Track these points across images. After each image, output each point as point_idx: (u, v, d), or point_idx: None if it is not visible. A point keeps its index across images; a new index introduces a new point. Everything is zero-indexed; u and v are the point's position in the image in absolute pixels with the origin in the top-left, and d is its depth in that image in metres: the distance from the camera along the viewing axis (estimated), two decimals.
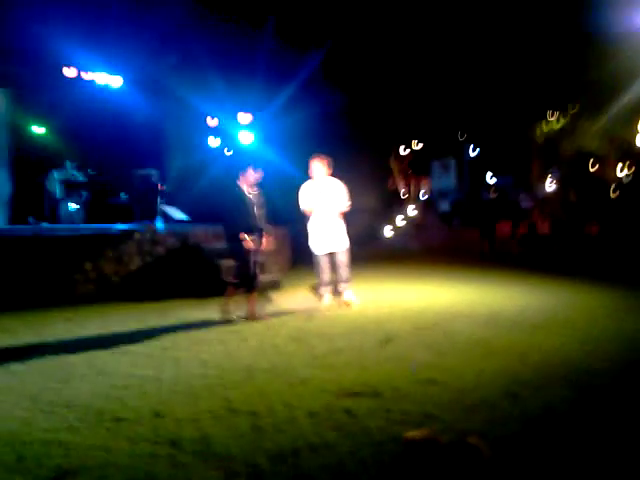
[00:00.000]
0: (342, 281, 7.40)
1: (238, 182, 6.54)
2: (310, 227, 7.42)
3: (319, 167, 7.33)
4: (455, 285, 8.89)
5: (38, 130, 12.55)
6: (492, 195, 14.95)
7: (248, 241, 6.28)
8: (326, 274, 7.39)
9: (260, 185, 6.69)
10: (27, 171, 11.93)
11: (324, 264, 7.36)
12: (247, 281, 6.41)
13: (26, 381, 4.22)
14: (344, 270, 7.36)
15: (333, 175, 7.48)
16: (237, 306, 6.49)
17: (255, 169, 6.59)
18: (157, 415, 3.53)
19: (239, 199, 6.45)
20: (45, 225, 10.42)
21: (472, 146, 20.68)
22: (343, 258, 7.35)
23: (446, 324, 5.97)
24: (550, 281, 9.04)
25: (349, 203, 7.43)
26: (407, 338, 5.38)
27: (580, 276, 9.43)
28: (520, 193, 16.92)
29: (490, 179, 19.41)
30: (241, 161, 13.12)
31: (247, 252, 6.31)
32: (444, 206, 19.29)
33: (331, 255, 7.36)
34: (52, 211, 11.36)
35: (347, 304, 7.28)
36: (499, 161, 20.37)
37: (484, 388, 3.92)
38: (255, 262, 6.42)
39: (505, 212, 15.79)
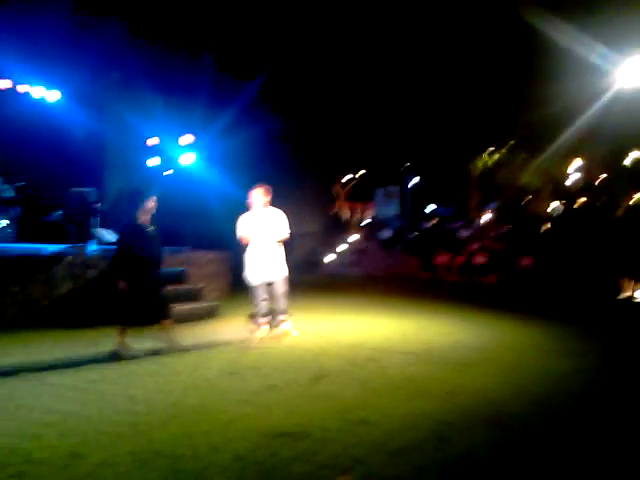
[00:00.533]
0: (280, 312, 7.34)
1: (137, 215, 6.21)
2: (247, 256, 7.34)
3: (258, 197, 7.30)
4: (392, 316, 8.99)
5: None
6: (430, 224, 15.33)
7: (123, 283, 6.05)
8: (263, 304, 7.28)
9: (154, 216, 6.42)
10: None
11: (261, 294, 7.27)
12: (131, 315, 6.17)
13: None
14: (282, 301, 7.30)
15: (273, 202, 7.46)
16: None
17: (150, 199, 6.26)
18: (74, 456, 3.38)
19: (134, 237, 6.15)
20: None
21: (414, 176, 21.20)
22: (280, 288, 7.28)
23: (380, 360, 5.99)
24: (484, 314, 9.26)
25: (288, 232, 7.41)
26: (341, 374, 5.38)
27: (514, 310, 9.72)
28: (458, 223, 17.41)
29: (429, 208, 19.93)
30: (180, 181, 13.04)
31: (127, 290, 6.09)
32: (386, 233, 19.60)
33: (269, 285, 7.30)
34: None
35: (285, 335, 7.22)
36: (440, 191, 20.99)
37: (412, 429, 3.94)
38: (141, 296, 6.15)
39: (443, 241, 16.22)
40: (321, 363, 5.79)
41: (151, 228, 6.25)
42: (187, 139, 12.94)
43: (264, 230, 7.23)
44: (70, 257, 8.02)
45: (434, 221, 16.97)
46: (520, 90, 15.26)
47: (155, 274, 6.27)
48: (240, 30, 13.92)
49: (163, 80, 12.73)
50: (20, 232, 11.37)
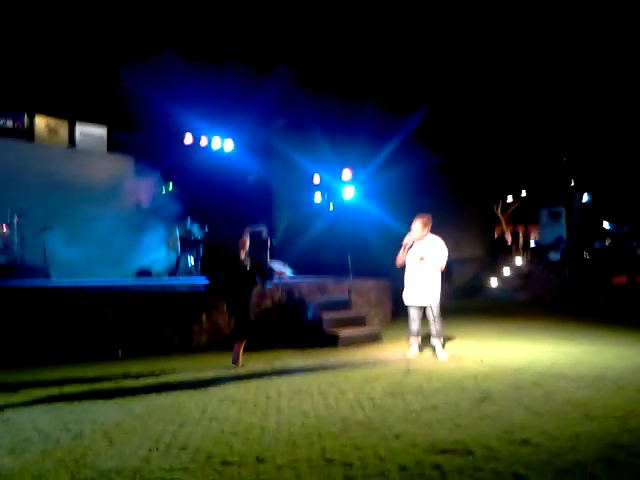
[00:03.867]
0: (433, 335, 7.61)
1: (237, 249, 7.04)
2: (405, 279, 7.70)
3: (419, 225, 7.58)
4: (561, 341, 8.64)
5: (161, 191, 13.89)
6: (605, 244, 14.34)
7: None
8: (415, 325, 7.67)
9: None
10: (150, 227, 13.21)
11: (414, 315, 7.66)
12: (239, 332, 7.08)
13: (148, 423, 4.73)
14: (434, 324, 7.55)
15: (434, 230, 7.72)
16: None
17: (244, 236, 7.12)
18: (260, 460, 3.86)
19: (228, 265, 7.10)
20: (167, 279, 11.41)
21: (582, 193, 19.94)
22: (433, 313, 7.53)
23: (546, 384, 5.88)
24: None
25: (445, 261, 7.60)
26: (504, 397, 5.38)
27: None
28: (635, 242, 16.02)
29: (604, 227, 18.55)
30: (343, 215, 13.73)
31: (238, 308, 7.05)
32: (554, 255, 18.60)
33: (423, 308, 7.58)
34: (175, 264, 12.44)
35: (436, 358, 7.50)
36: (614, 208, 19.46)
37: (578, 451, 3.89)
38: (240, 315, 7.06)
39: (620, 262, 15.04)
40: (483, 386, 5.84)
41: (247, 260, 7.06)
42: (347, 174, 13.66)
43: (423, 256, 7.49)
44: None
45: (608, 240, 15.78)
46: None
47: (244, 299, 7.05)
48: (397, 70, 14.46)
49: (326, 119, 13.63)
50: (203, 268, 12.82)
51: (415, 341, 7.70)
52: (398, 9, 13.62)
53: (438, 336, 7.58)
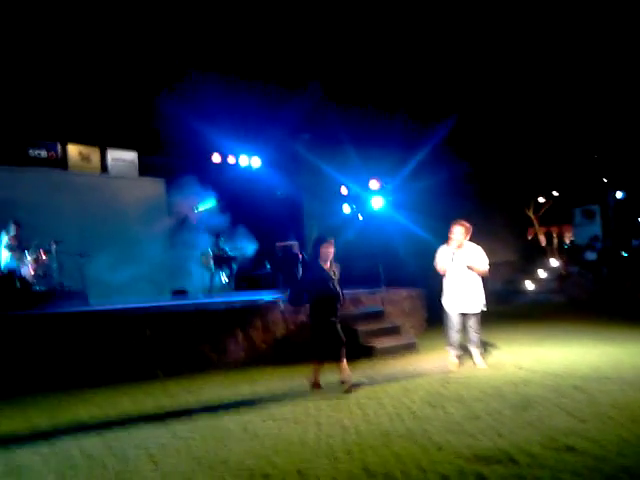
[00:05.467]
0: (472, 343, 7.52)
1: (318, 259, 6.56)
2: (445, 286, 7.61)
3: (459, 231, 7.50)
4: (602, 344, 8.45)
5: (193, 212, 14.13)
6: None
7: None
8: (455, 333, 7.52)
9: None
10: (183, 247, 13.43)
11: (455, 324, 7.50)
12: (319, 351, 6.63)
13: (191, 444, 4.79)
14: (474, 334, 7.46)
15: (472, 239, 7.64)
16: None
17: (326, 245, 6.55)
18: (301, 474, 3.88)
19: (312, 278, 6.58)
20: (202, 297, 11.57)
21: (616, 191, 19.54)
22: (474, 322, 7.45)
23: (589, 388, 5.77)
24: None
25: (488, 267, 7.50)
26: (545, 403, 5.30)
27: None
28: None
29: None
30: (372, 225, 13.73)
31: (318, 325, 6.55)
32: (590, 255, 18.22)
33: (463, 316, 7.48)
34: (209, 282, 12.62)
35: (475, 366, 7.41)
36: None
37: (626, 456, 3.81)
38: (324, 332, 6.54)
39: None
40: (523, 393, 5.76)
41: (332, 270, 6.60)
42: (376, 184, 13.68)
43: (463, 262, 7.42)
44: (282, 304, 8.98)
45: None
46: None
47: (333, 314, 6.56)
48: (425, 79, 14.47)
49: (353, 130, 13.69)
50: (237, 284, 12.96)
51: (454, 350, 7.60)
52: (426, 19, 13.67)
53: (477, 344, 7.51)
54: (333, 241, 6.60)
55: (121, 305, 9.04)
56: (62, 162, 12.93)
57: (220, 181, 13.82)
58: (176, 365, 8.04)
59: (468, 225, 7.52)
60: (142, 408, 6.17)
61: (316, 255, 6.58)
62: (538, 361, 7.51)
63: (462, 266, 7.42)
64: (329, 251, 6.53)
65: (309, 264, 6.83)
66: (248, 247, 13.50)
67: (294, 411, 5.68)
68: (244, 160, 14.14)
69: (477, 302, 7.42)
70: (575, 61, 15.36)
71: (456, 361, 7.53)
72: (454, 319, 7.51)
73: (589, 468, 3.65)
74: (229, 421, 5.42)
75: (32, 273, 10.02)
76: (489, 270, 7.51)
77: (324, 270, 6.53)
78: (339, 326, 6.59)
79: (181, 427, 5.31)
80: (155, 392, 6.94)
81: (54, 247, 10.46)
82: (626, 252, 16.79)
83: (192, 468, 4.16)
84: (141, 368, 7.84)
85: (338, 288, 6.58)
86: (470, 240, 7.55)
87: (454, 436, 4.52)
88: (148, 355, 7.94)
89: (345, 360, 6.56)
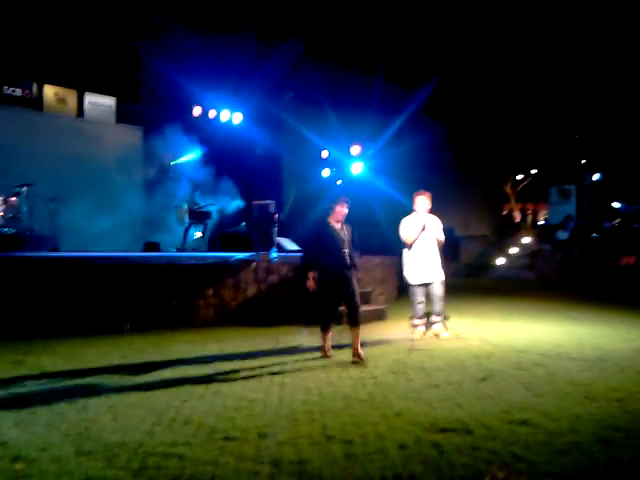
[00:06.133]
0: (435, 313, 7.64)
1: (327, 219, 6.39)
2: (406, 258, 7.65)
3: (422, 201, 7.55)
4: (566, 322, 8.65)
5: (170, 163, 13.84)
6: (614, 223, 14.24)
7: (310, 280, 6.25)
8: (420, 306, 7.63)
9: (347, 220, 6.56)
10: (159, 199, 13.21)
11: (419, 294, 7.60)
12: (319, 318, 6.45)
13: (152, 398, 4.79)
14: (438, 303, 7.57)
15: (435, 208, 7.69)
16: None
17: (341, 204, 6.34)
18: (261, 436, 3.91)
19: (323, 236, 6.33)
20: (174, 252, 11.45)
21: (593, 173, 19.73)
22: (438, 291, 7.54)
23: (549, 364, 5.91)
24: None
25: (443, 237, 7.63)
26: (505, 377, 5.42)
27: None
28: None
29: (614, 206, 18.38)
30: (351, 190, 13.68)
31: (316, 290, 6.26)
32: (562, 234, 18.49)
33: (426, 286, 7.55)
34: (183, 237, 12.47)
35: (436, 335, 7.56)
36: (625, 188, 19.25)
37: (578, 432, 3.92)
38: (329, 299, 6.35)
39: (629, 242, 14.94)
40: (485, 366, 5.87)
41: (342, 230, 6.36)
42: (356, 149, 13.57)
43: (425, 233, 7.48)
44: (255, 263, 8.95)
45: (618, 220, 15.65)
46: None
47: (348, 276, 6.29)
48: (408, 41, 14.24)
49: (335, 93, 13.50)
50: (210, 242, 12.83)
51: (419, 320, 7.70)
52: None
53: (441, 314, 7.63)
54: (349, 200, 6.41)
55: (90, 254, 8.91)
56: (37, 102, 12.52)
57: (201, 135, 13.53)
58: (144, 320, 8.01)
59: (429, 195, 7.57)
60: (107, 361, 6.14)
61: (327, 214, 6.36)
62: (503, 336, 7.66)
63: (429, 236, 7.48)
64: (344, 210, 6.34)
65: (317, 225, 6.52)
66: (228, 204, 13.31)
67: (260, 372, 5.72)
68: (225, 115, 13.88)
69: (440, 271, 7.51)
70: (561, 41, 15.28)
71: (421, 330, 7.66)
72: (419, 290, 7.62)
73: (540, 442, 3.75)
74: (193, 378, 5.43)
75: (1, 214, 9.79)
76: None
77: (335, 230, 6.34)
78: (355, 287, 6.34)
79: (145, 381, 5.31)
80: (122, 346, 6.92)
81: (25, 190, 10.21)
82: (597, 233, 17.06)
83: (152, 422, 4.16)
84: (109, 321, 7.79)
85: (350, 250, 6.31)
86: (432, 211, 7.64)
87: (413, 403, 4.59)
88: (116, 308, 7.88)
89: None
